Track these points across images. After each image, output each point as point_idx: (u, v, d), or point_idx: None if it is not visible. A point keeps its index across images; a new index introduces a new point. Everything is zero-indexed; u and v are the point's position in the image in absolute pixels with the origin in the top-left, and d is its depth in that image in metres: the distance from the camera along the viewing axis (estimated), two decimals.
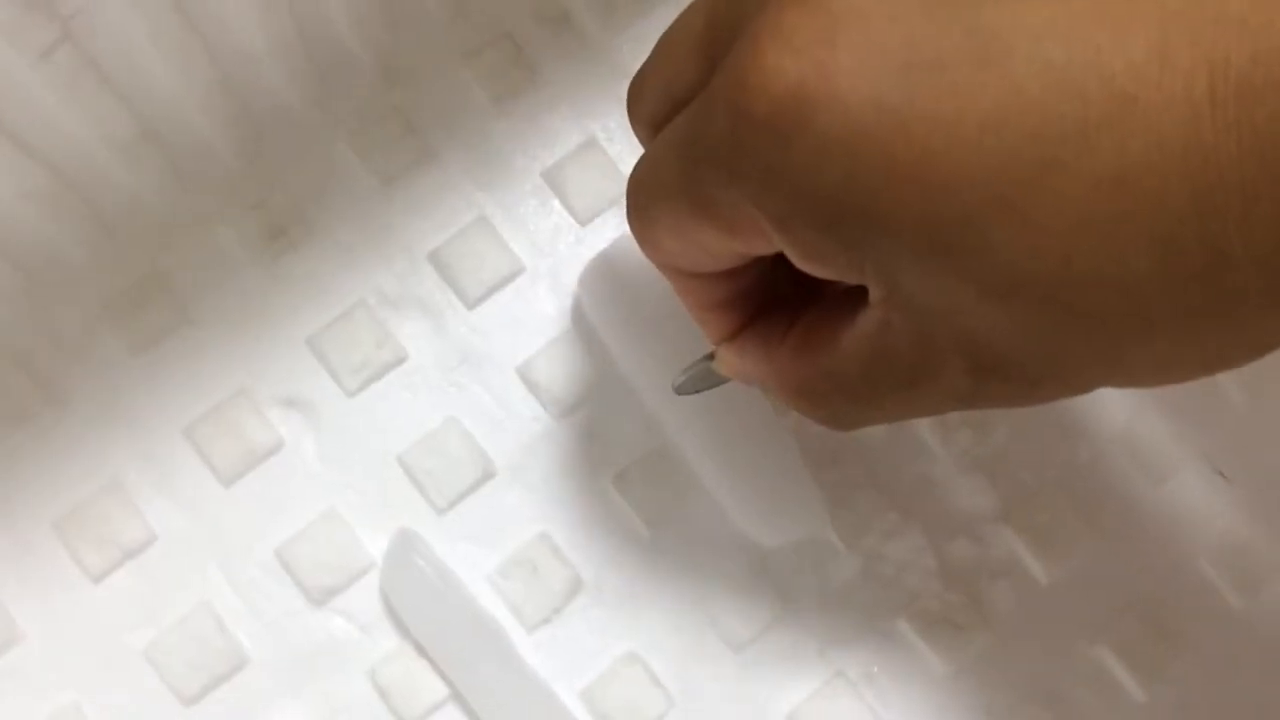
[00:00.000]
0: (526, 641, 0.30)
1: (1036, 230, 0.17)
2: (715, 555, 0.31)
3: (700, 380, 0.27)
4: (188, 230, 0.31)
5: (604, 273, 0.31)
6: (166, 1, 0.27)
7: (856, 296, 0.21)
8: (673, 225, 0.22)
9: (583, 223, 0.32)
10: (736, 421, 0.31)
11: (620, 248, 0.31)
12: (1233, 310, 0.17)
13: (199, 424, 0.31)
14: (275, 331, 0.31)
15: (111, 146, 0.29)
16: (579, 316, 0.32)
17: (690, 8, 0.22)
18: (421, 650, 0.30)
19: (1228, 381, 0.33)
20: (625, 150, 0.33)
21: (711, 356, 0.26)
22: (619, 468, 0.31)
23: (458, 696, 0.30)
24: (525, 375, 0.31)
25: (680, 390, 0.28)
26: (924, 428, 0.32)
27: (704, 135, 0.20)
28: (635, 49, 0.33)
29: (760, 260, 0.22)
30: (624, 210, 0.32)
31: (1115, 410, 0.32)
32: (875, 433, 0.32)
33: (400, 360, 0.31)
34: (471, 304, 0.32)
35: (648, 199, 0.22)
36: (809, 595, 0.31)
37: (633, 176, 0.23)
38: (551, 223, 0.32)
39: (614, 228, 0.32)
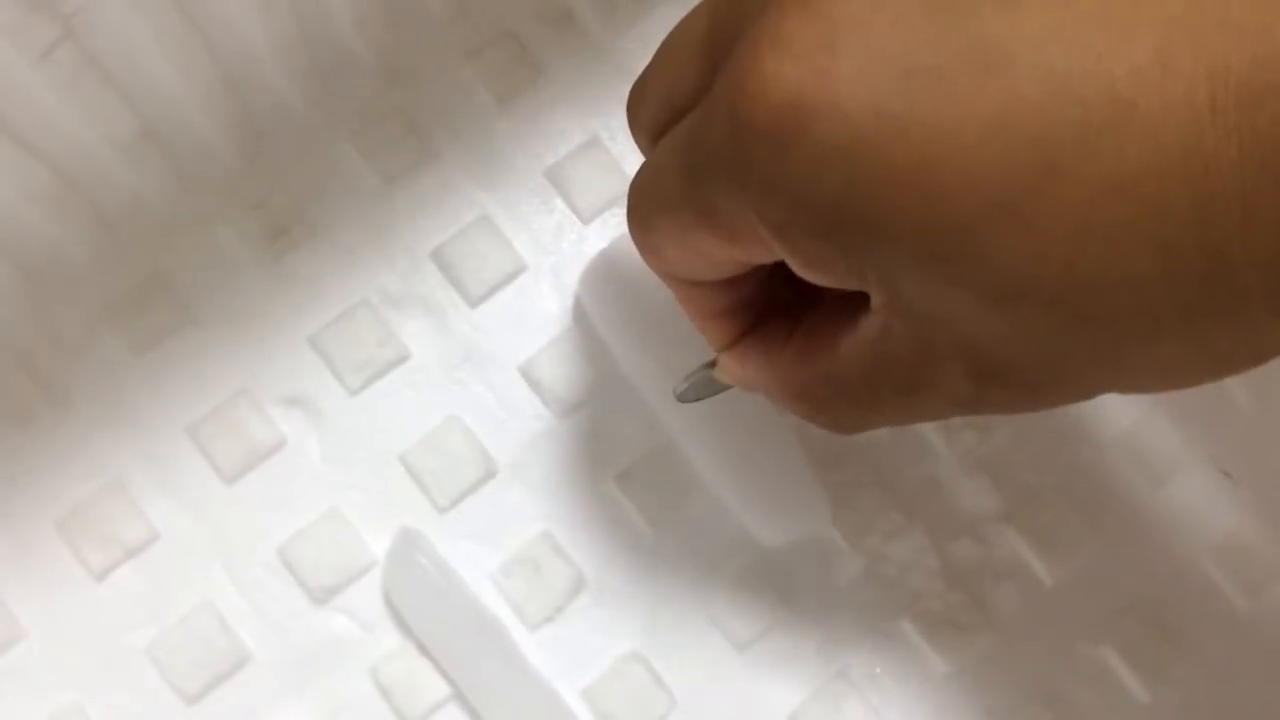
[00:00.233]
0: (529, 640, 0.30)
1: (1038, 236, 0.17)
2: (718, 554, 0.31)
3: (702, 387, 0.27)
4: (189, 230, 0.31)
5: (604, 272, 0.31)
6: (168, 1, 0.27)
7: (857, 302, 0.21)
8: (674, 234, 0.22)
9: (585, 221, 0.32)
10: (739, 421, 0.31)
11: (620, 247, 0.31)
12: (1235, 315, 0.17)
13: (201, 423, 0.31)
14: (277, 331, 0.31)
15: (113, 146, 0.29)
16: (580, 316, 0.32)
17: (690, 14, 0.22)
18: (423, 649, 0.30)
19: (1233, 383, 0.32)
20: (628, 149, 0.33)
21: (713, 364, 0.26)
22: (621, 466, 0.31)
23: (459, 695, 0.30)
24: (527, 374, 0.31)
25: (682, 398, 0.28)
26: (928, 428, 0.32)
27: (704, 143, 0.20)
28: (638, 48, 0.33)
29: (761, 268, 0.22)
30: (626, 209, 0.32)
31: (1119, 411, 0.32)
32: (879, 433, 0.32)
33: (402, 359, 0.31)
34: (474, 302, 0.32)
35: (649, 208, 0.22)
36: (812, 595, 0.31)
37: (634, 184, 0.23)
38: (554, 221, 0.32)
39: (616, 226, 0.32)
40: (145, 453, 0.30)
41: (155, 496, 0.30)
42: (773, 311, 0.24)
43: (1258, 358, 0.18)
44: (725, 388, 0.27)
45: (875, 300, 0.20)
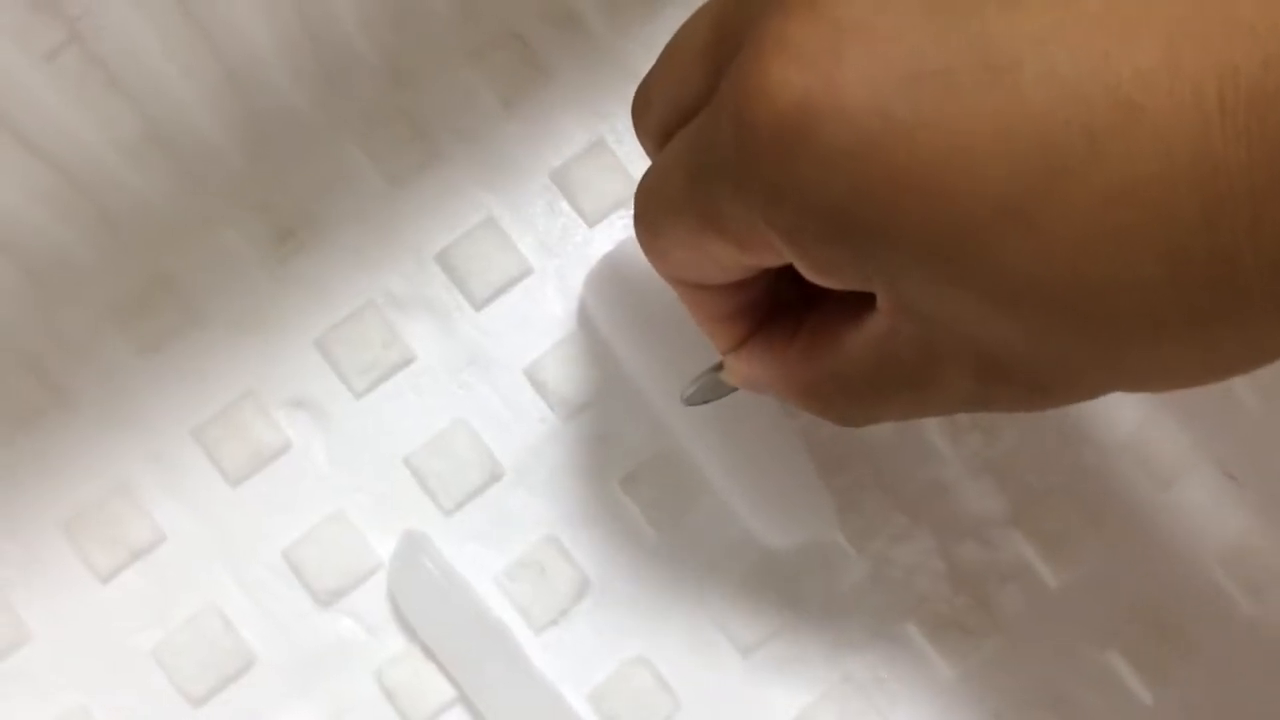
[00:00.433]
0: (534, 643, 0.30)
1: (1045, 239, 0.17)
2: (723, 557, 0.31)
3: (709, 390, 0.27)
4: (195, 232, 0.31)
5: (609, 275, 0.31)
6: (173, 3, 0.27)
7: (861, 300, 0.21)
8: (681, 238, 0.22)
9: (591, 224, 0.32)
10: (744, 424, 0.31)
11: (624, 250, 0.31)
12: (1242, 317, 0.17)
13: (207, 425, 0.31)
14: (283, 333, 0.31)
15: (118, 148, 0.29)
16: (584, 319, 0.32)
17: (694, 17, 0.21)
18: (429, 652, 0.30)
19: (1239, 385, 0.32)
20: (634, 151, 0.33)
21: (719, 367, 0.26)
22: (627, 469, 0.31)
23: (464, 698, 0.30)
24: (533, 376, 0.31)
25: (690, 401, 0.28)
26: (933, 431, 0.32)
27: (711, 149, 0.20)
28: (644, 50, 0.33)
29: (767, 270, 0.22)
30: (632, 211, 0.32)
31: (1125, 414, 0.32)
32: (884, 436, 0.31)
33: (408, 361, 0.31)
34: (479, 305, 0.32)
35: (656, 212, 0.22)
36: (817, 598, 0.31)
37: (640, 189, 0.23)
38: (559, 224, 0.32)
39: (622, 229, 0.32)
40: (151, 455, 0.30)
41: (161, 498, 0.30)
42: (777, 310, 0.24)
43: (1263, 359, 0.18)
44: (732, 390, 0.27)
45: (881, 301, 0.20)
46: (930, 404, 0.21)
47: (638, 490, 0.31)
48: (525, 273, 0.32)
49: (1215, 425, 0.32)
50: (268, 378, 0.31)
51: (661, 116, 0.22)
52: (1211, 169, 0.16)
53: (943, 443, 0.32)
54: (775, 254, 0.20)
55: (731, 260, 0.21)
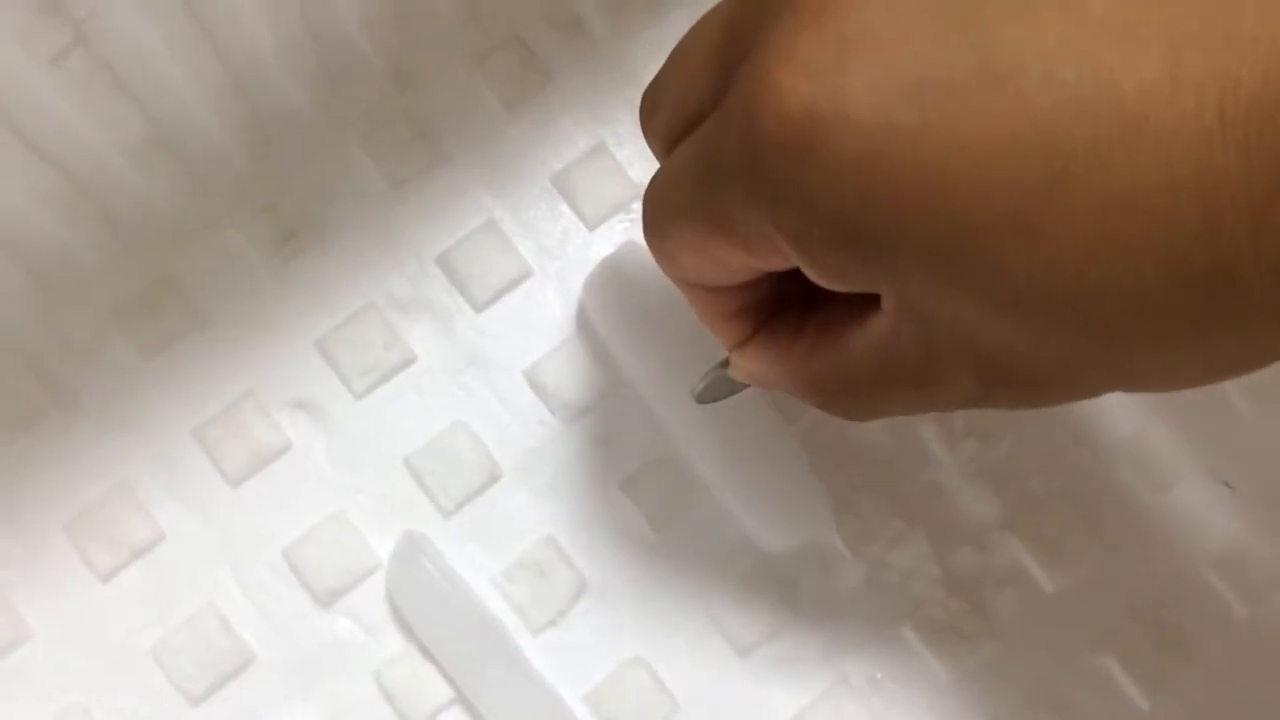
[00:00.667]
0: (532, 644, 0.30)
1: (1049, 246, 0.17)
2: (721, 560, 0.31)
3: (718, 388, 0.27)
4: (198, 234, 0.31)
5: (608, 279, 0.31)
6: (178, 5, 0.27)
7: (866, 298, 0.21)
8: (689, 242, 0.22)
9: (591, 227, 0.33)
10: (743, 427, 0.31)
11: (623, 254, 0.31)
12: (1242, 323, 0.17)
13: (208, 426, 0.31)
14: (284, 334, 0.31)
15: (123, 150, 0.29)
16: (583, 322, 0.32)
17: (703, 20, 0.22)
18: (427, 652, 0.30)
19: (1233, 391, 0.33)
20: (634, 155, 0.33)
21: (726, 363, 0.26)
22: (626, 472, 0.31)
23: (463, 699, 0.30)
24: (532, 379, 0.32)
25: (700, 399, 0.28)
26: (930, 436, 0.32)
27: (719, 155, 0.20)
28: (646, 54, 0.33)
29: (773, 271, 0.22)
30: (632, 215, 0.32)
31: (1121, 419, 0.32)
32: (882, 440, 0.32)
33: (408, 363, 0.31)
34: (480, 307, 0.32)
35: (664, 216, 0.22)
36: (814, 601, 0.31)
37: (648, 192, 0.23)
38: (560, 227, 0.33)
39: (622, 232, 0.32)
40: (153, 455, 0.31)
41: (162, 499, 0.30)
42: (782, 307, 0.24)
43: (1262, 361, 0.18)
44: (742, 387, 0.27)
45: (885, 302, 0.20)
46: (933, 401, 0.21)
47: (636, 492, 0.31)
48: (526, 275, 0.32)
49: (1210, 432, 0.32)
50: (269, 378, 0.31)
51: (669, 120, 0.22)
52: (1213, 180, 0.16)
53: (939, 448, 0.32)
54: (782, 258, 0.20)
55: (739, 263, 0.22)
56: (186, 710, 0.30)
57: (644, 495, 0.31)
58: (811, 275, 0.20)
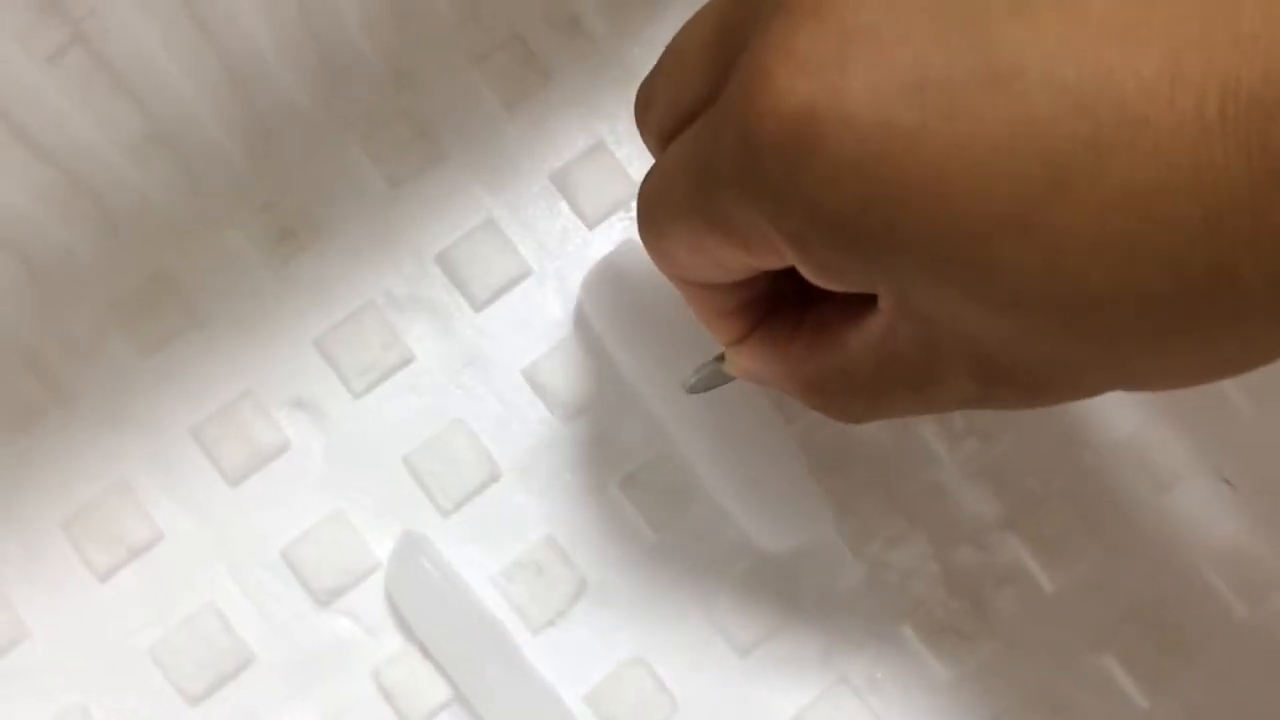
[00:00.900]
0: (531, 644, 0.30)
1: (1049, 247, 0.17)
2: (720, 559, 0.31)
3: (711, 379, 0.27)
4: (197, 232, 0.31)
5: (606, 279, 0.31)
6: (177, 4, 0.27)
7: (864, 297, 0.21)
8: (686, 240, 0.22)
9: (590, 226, 0.32)
10: (742, 426, 0.31)
11: (621, 253, 0.31)
12: (1243, 324, 0.17)
13: (206, 425, 0.31)
14: (283, 333, 0.31)
15: (122, 148, 0.29)
16: (581, 322, 0.32)
17: (697, 16, 0.21)
18: (426, 652, 0.30)
19: (1234, 389, 0.33)
20: (634, 153, 0.33)
21: (721, 358, 0.26)
22: (625, 471, 0.31)
23: (461, 698, 0.30)
24: (531, 378, 0.32)
25: (692, 390, 0.28)
26: (930, 435, 0.32)
27: (715, 154, 0.20)
28: (645, 53, 0.33)
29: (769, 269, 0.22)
30: (631, 213, 0.32)
31: (1121, 418, 0.32)
32: (881, 440, 0.32)
33: (407, 362, 0.31)
34: (479, 306, 0.32)
35: (659, 214, 0.22)
36: (813, 601, 0.31)
37: (643, 189, 0.23)
38: (559, 225, 0.32)
39: (621, 231, 0.32)
40: (150, 454, 0.30)
41: (160, 498, 0.30)
42: (779, 305, 0.24)
43: (1261, 360, 0.18)
44: (734, 378, 0.27)
45: (883, 302, 0.20)
46: (931, 402, 0.21)
47: (635, 492, 0.31)
48: (525, 274, 0.32)
49: (1210, 431, 0.32)
50: (267, 378, 0.31)
51: (664, 116, 0.22)
52: (1212, 179, 0.16)
53: (940, 446, 0.32)
54: (780, 257, 0.20)
55: (736, 262, 0.21)
56: (186, 710, 0.30)
57: (643, 494, 0.31)
58: (809, 275, 0.20)
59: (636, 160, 0.33)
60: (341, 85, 0.32)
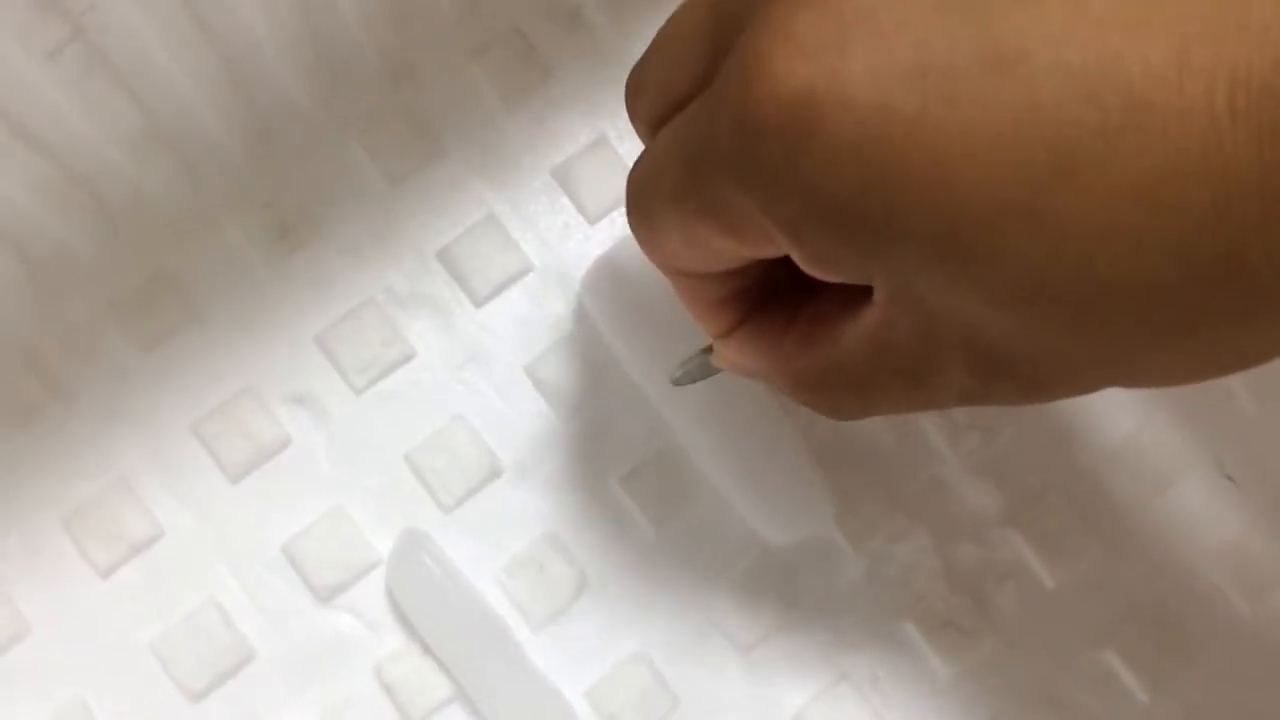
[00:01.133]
0: (532, 640, 0.30)
1: (1054, 236, 0.17)
2: (721, 555, 0.31)
3: (697, 371, 0.27)
4: (196, 228, 0.31)
5: (606, 275, 0.31)
6: (177, 1, 0.27)
7: (858, 290, 0.20)
8: (676, 228, 0.21)
9: (592, 221, 0.32)
10: (743, 421, 0.31)
11: (621, 249, 0.31)
12: (1249, 315, 0.17)
13: (206, 421, 0.31)
14: (283, 329, 0.31)
15: (121, 145, 0.29)
16: (582, 318, 0.32)
17: (690, 1, 0.21)
18: (427, 648, 0.30)
19: (1236, 385, 0.33)
20: (635, 149, 0.32)
21: (709, 350, 0.26)
22: (626, 467, 0.31)
23: (463, 695, 0.30)
24: (533, 374, 0.31)
25: (677, 382, 0.28)
26: (931, 430, 0.32)
27: (709, 140, 0.19)
28: (645, 46, 0.33)
29: (761, 259, 0.22)
30: (625, 201, 0.32)
31: (1123, 414, 0.32)
32: (883, 435, 0.32)
33: (408, 358, 0.31)
34: (479, 302, 0.32)
35: (649, 201, 0.22)
36: (814, 597, 0.31)
37: (632, 176, 0.22)
38: (561, 221, 0.32)
39: (623, 227, 0.32)
40: (150, 451, 0.30)
41: (160, 494, 0.30)
42: (772, 298, 0.24)
43: (1268, 355, 0.18)
44: (719, 370, 0.27)
45: (878, 293, 0.20)
46: (927, 398, 0.21)
47: (637, 488, 0.31)
48: (526, 270, 0.32)
49: (1212, 427, 0.32)
50: (268, 374, 0.31)
51: (655, 102, 0.22)
52: (1221, 167, 0.16)
53: (941, 442, 0.32)
54: (773, 246, 0.20)
55: (728, 250, 0.21)
56: (186, 706, 0.30)
57: (644, 491, 0.31)
58: (803, 264, 0.20)
59: (638, 155, 0.33)
60: (341, 82, 0.32)
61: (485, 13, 0.33)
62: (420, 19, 0.32)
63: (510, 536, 0.31)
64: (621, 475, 0.31)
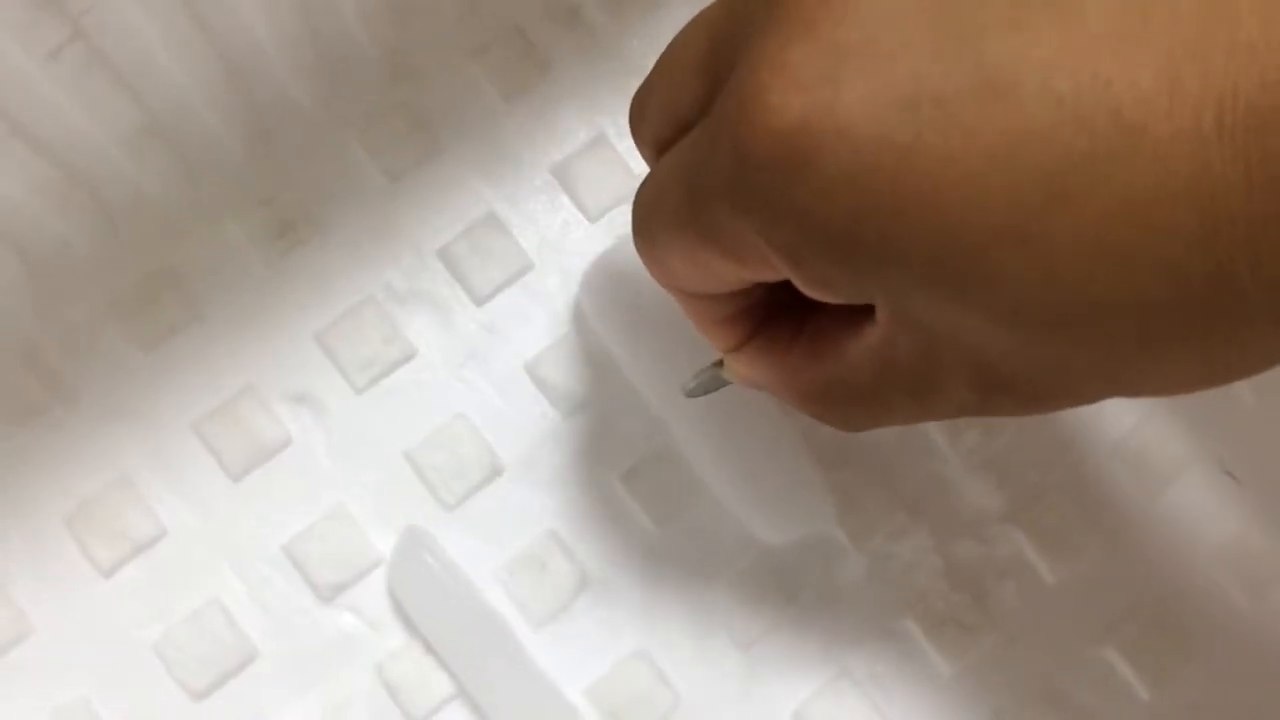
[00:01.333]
0: (533, 638, 0.30)
1: (1047, 259, 0.17)
2: (722, 553, 0.31)
3: (710, 384, 0.27)
4: (196, 227, 0.31)
5: (605, 274, 0.31)
6: (176, 0, 0.27)
7: (862, 307, 0.21)
8: (680, 251, 0.22)
9: (592, 219, 0.32)
10: (744, 419, 0.31)
11: (620, 250, 0.31)
12: (1240, 332, 0.17)
13: (208, 420, 0.31)
14: (284, 328, 0.31)
15: (121, 143, 0.29)
16: (581, 317, 0.32)
17: (689, 27, 0.21)
18: (429, 647, 0.30)
19: (1238, 384, 0.32)
20: (635, 147, 0.33)
21: (720, 363, 0.26)
22: (627, 465, 0.31)
23: (464, 693, 0.30)
24: (533, 372, 0.32)
25: (690, 394, 0.28)
26: (932, 428, 0.32)
27: (708, 168, 0.20)
28: (645, 45, 0.33)
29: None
30: (631, 223, 0.32)
31: (1123, 412, 0.32)
32: (884, 433, 0.32)
33: (408, 357, 0.31)
34: (480, 300, 0.32)
35: (653, 225, 0.22)
36: (815, 594, 0.31)
37: (638, 200, 0.23)
38: (560, 219, 0.32)
39: (623, 224, 0.32)
40: (152, 449, 0.30)
41: (162, 493, 0.30)
42: (777, 312, 0.24)
43: (1259, 367, 0.18)
44: (732, 382, 0.27)
45: (880, 314, 0.20)
46: (931, 410, 0.21)
47: (638, 486, 0.31)
48: (526, 268, 0.32)
49: (1213, 424, 0.32)
50: (268, 372, 0.31)
51: (658, 126, 0.22)
52: (1210, 189, 0.16)
53: (942, 440, 0.32)
54: (773, 270, 0.20)
55: (730, 273, 0.21)
56: (189, 705, 0.30)
57: (645, 488, 0.31)
58: (803, 288, 0.20)
59: (638, 154, 0.33)
60: (340, 79, 0.32)
61: (485, 11, 0.33)
62: (420, 18, 0.32)
63: (511, 535, 0.31)
64: (622, 473, 0.31)
